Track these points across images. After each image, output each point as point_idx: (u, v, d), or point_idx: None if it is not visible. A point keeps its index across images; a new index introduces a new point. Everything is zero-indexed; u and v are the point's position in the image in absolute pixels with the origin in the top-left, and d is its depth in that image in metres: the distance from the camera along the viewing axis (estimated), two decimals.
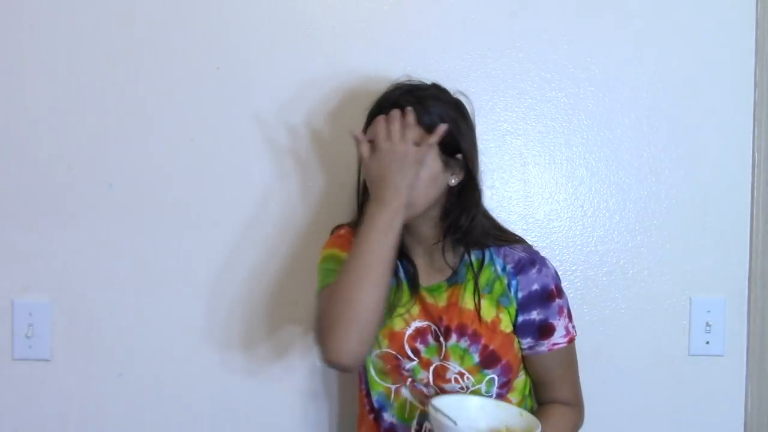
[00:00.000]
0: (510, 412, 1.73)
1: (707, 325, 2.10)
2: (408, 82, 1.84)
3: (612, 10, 2.08)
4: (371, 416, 1.86)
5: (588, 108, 2.09)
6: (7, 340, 2.08)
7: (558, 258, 2.06)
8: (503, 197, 2.08)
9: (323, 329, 1.66)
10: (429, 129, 1.75)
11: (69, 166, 2.07)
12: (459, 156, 1.79)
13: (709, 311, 2.10)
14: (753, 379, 2.11)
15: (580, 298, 2.05)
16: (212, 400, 2.09)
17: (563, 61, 2.08)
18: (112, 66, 2.06)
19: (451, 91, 1.83)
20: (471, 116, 1.84)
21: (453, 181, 1.80)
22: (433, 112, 1.76)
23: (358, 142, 1.76)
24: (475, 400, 1.75)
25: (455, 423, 1.65)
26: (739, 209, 2.10)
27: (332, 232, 1.93)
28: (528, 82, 2.08)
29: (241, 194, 2.07)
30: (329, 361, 1.66)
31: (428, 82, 1.83)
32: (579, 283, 2.09)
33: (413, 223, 1.80)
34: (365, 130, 1.81)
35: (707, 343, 2.10)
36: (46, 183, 2.07)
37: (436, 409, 1.66)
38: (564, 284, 1.86)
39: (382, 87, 1.84)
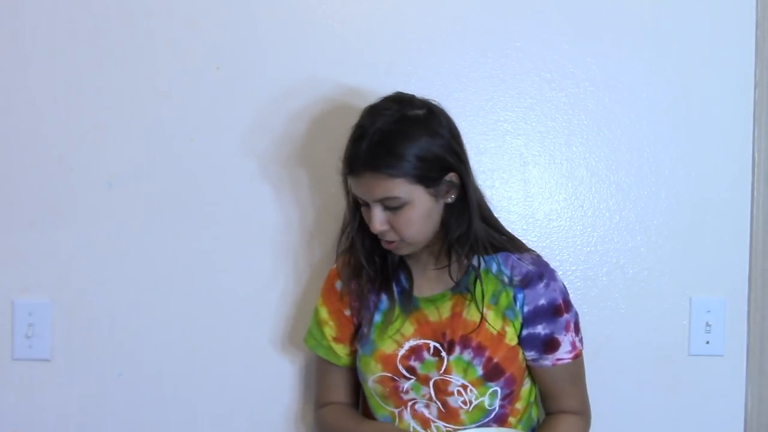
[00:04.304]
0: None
1: (707, 325, 2.10)
2: (370, 126, 1.72)
3: (612, 10, 2.08)
4: None
5: (588, 108, 2.09)
6: (7, 340, 2.08)
7: (558, 258, 2.06)
8: (503, 197, 2.08)
9: None
10: (411, 174, 1.70)
11: (69, 166, 2.06)
12: (449, 177, 1.74)
13: (709, 311, 2.10)
14: (753, 379, 2.11)
15: (580, 298, 2.05)
16: (212, 400, 2.09)
17: (563, 61, 2.08)
18: (112, 65, 2.06)
19: (417, 104, 1.75)
20: (446, 121, 1.76)
21: (450, 199, 1.76)
22: (409, 159, 1.69)
23: None
24: None
25: None
26: (739, 209, 2.10)
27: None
28: (528, 82, 2.08)
29: (241, 194, 2.07)
30: None
31: (390, 110, 1.74)
32: (579, 283, 2.09)
33: None
34: (344, 178, 1.78)
35: (707, 343, 2.10)
36: (46, 183, 2.07)
37: None
38: (564, 284, 1.87)
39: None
